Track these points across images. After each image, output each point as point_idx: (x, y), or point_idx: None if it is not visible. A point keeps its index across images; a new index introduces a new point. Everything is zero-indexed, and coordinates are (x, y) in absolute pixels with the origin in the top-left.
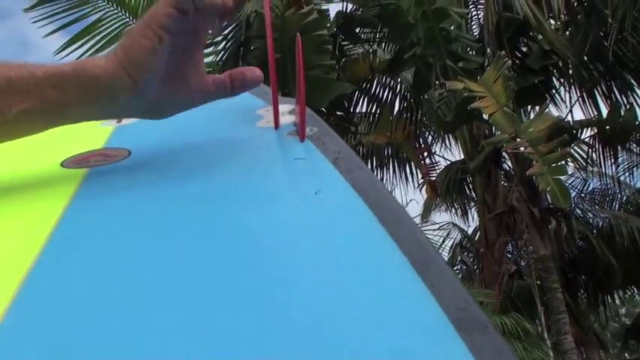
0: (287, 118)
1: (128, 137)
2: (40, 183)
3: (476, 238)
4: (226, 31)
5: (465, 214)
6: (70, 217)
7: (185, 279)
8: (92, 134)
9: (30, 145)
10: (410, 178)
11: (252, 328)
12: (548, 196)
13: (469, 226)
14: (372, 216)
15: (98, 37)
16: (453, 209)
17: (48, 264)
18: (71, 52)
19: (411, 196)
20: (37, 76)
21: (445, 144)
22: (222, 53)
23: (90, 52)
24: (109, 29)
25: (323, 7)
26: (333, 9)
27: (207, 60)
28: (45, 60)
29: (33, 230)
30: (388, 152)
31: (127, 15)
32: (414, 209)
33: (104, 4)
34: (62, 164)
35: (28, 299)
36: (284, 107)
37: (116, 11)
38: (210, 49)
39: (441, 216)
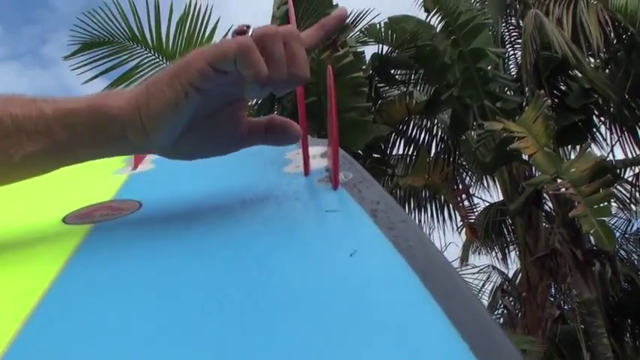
0: (318, 162)
1: (141, 186)
2: (37, 241)
3: (517, 282)
4: None
5: (505, 257)
6: (64, 282)
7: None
8: (102, 183)
9: (34, 194)
10: (448, 221)
11: None
12: (591, 238)
13: (510, 269)
14: (420, 286)
15: (136, 84)
16: (493, 252)
17: (34, 334)
18: None
19: (449, 239)
20: (46, 114)
21: (484, 185)
22: (254, 101)
23: None
24: (147, 75)
25: (359, 50)
26: (369, 51)
27: None
28: None
29: (23, 294)
30: (426, 194)
31: (165, 61)
32: (453, 252)
33: (141, 50)
34: (64, 220)
35: None
36: (315, 150)
37: (153, 58)
38: None
39: (481, 259)
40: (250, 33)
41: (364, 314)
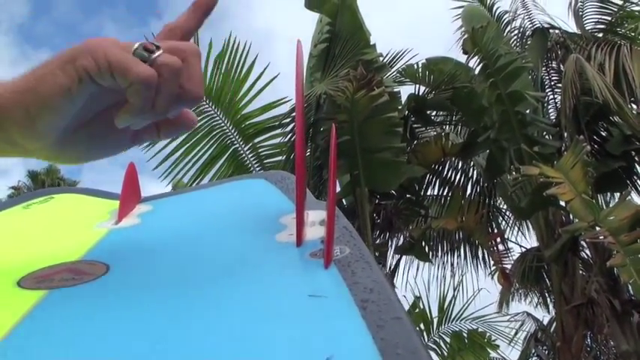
0: (316, 232)
1: (117, 245)
2: None
3: (552, 330)
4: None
5: (539, 304)
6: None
7: None
8: (78, 238)
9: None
10: (481, 265)
11: None
12: (630, 287)
13: (544, 317)
14: None
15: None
16: (528, 298)
17: None
18: None
19: (482, 284)
20: None
21: (520, 230)
22: (290, 135)
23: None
24: None
25: (395, 90)
26: (406, 92)
27: (274, 141)
28: None
29: None
30: (459, 236)
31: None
32: (485, 298)
33: None
34: (19, 282)
35: None
36: (316, 216)
37: None
38: (277, 131)
39: (514, 305)
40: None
41: None
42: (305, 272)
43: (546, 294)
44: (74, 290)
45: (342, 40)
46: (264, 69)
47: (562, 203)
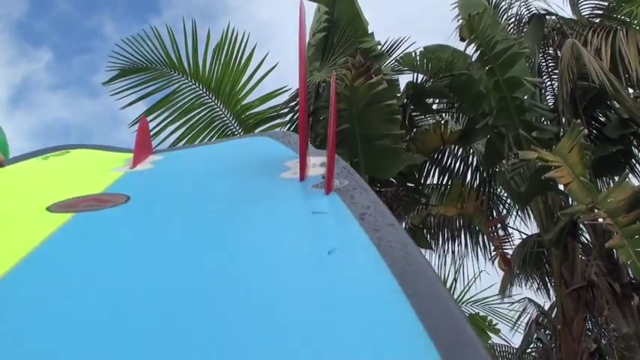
0: (317, 170)
1: (134, 183)
2: (17, 226)
3: (553, 315)
4: (294, 102)
5: (540, 289)
6: (32, 261)
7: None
8: (97, 178)
9: (28, 183)
10: (482, 251)
11: None
12: (629, 270)
13: (546, 302)
14: (395, 285)
15: (173, 109)
16: (529, 284)
17: None
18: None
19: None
20: None
21: (519, 216)
22: (289, 124)
23: (165, 123)
24: (184, 101)
25: (393, 78)
26: (403, 80)
27: (275, 130)
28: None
29: None
30: (459, 223)
31: (201, 88)
32: (485, 282)
33: (179, 77)
34: (48, 208)
35: None
36: (317, 159)
37: (190, 84)
38: (277, 121)
39: (515, 290)
40: None
41: (332, 310)
42: (308, 198)
43: (547, 278)
44: (98, 214)
45: (340, 29)
46: (264, 58)
47: (561, 187)
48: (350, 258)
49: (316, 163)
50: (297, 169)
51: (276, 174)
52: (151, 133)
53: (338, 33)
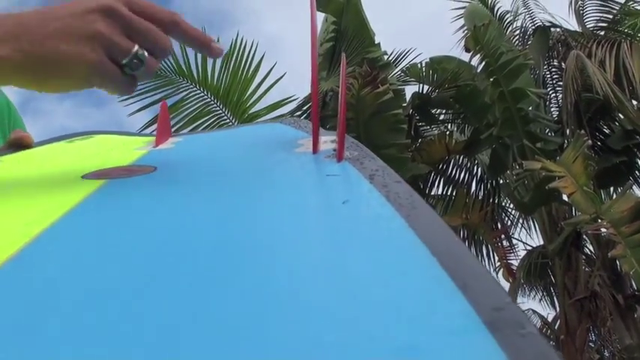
0: (328, 145)
1: (159, 158)
2: (54, 190)
3: (556, 326)
4: (299, 112)
5: (544, 299)
6: (66, 221)
7: (181, 292)
8: (123, 155)
9: (57, 160)
10: (486, 261)
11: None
12: (632, 281)
13: (549, 313)
14: (403, 222)
15: (181, 116)
16: (532, 294)
17: (28, 257)
18: (154, 131)
19: None
20: None
21: (524, 227)
22: None
23: (173, 130)
24: (192, 109)
25: (399, 88)
26: (409, 91)
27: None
28: None
29: (29, 224)
30: (464, 234)
31: (210, 96)
32: None
33: (187, 84)
34: (82, 176)
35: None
36: (327, 137)
37: (199, 92)
38: None
39: (519, 301)
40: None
41: (350, 243)
42: (321, 166)
43: (551, 288)
44: (129, 180)
45: (347, 39)
46: (272, 68)
47: (564, 198)
48: (362, 206)
49: (327, 140)
50: (309, 145)
51: (291, 149)
52: None
53: (345, 43)
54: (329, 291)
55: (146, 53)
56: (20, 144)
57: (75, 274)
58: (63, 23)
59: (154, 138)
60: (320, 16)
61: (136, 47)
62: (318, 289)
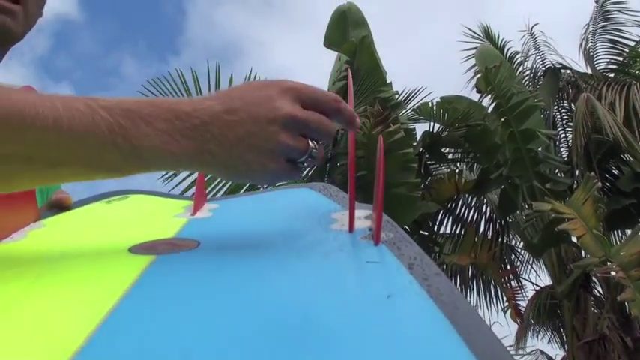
0: (363, 223)
1: (200, 230)
2: (105, 265)
3: None
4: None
5: (552, 340)
6: (130, 300)
7: None
8: (165, 224)
9: (102, 226)
10: (495, 300)
11: None
12: None
13: (557, 354)
14: (447, 323)
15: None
16: (541, 335)
17: (99, 343)
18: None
19: (494, 319)
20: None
21: (533, 267)
22: (307, 169)
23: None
24: None
25: (410, 127)
26: (420, 129)
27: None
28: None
29: (91, 307)
30: (472, 273)
31: None
32: (498, 331)
33: None
34: (130, 249)
35: None
36: (361, 213)
37: None
38: None
39: (528, 341)
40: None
41: (397, 344)
42: (360, 248)
43: (560, 329)
44: (176, 256)
45: (360, 78)
46: None
47: (574, 239)
48: (407, 302)
49: (361, 216)
50: (344, 221)
51: (326, 225)
52: (170, 174)
53: (358, 82)
54: None
55: (317, 146)
56: (61, 206)
57: (154, 355)
58: (246, 131)
59: (190, 202)
60: (333, 55)
61: (311, 145)
62: None
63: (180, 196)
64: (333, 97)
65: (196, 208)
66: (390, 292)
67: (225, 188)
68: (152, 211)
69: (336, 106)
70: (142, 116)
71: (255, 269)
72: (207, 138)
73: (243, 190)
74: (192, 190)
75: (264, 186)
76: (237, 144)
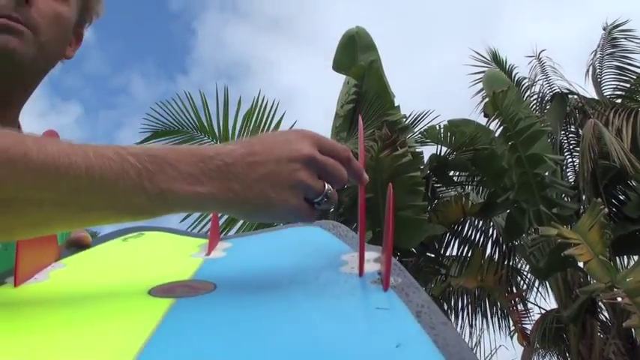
0: (372, 266)
1: (215, 271)
2: (128, 308)
3: None
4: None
5: None
6: (154, 346)
7: None
8: (182, 264)
9: (119, 268)
10: (501, 323)
11: None
12: None
13: None
14: None
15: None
16: (547, 359)
17: None
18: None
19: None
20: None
21: (539, 291)
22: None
23: None
24: None
25: (417, 150)
26: (427, 152)
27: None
28: None
29: (118, 353)
30: (478, 295)
31: None
32: (503, 356)
33: (208, 141)
34: (150, 292)
35: None
36: (370, 255)
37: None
38: None
39: None
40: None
41: None
42: (369, 293)
43: (566, 353)
44: (195, 300)
45: (368, 102)
46: (292, 126)
47: (580, 264)
48: (415, 352)
49: (370, 258)
50: (354, 263)
51: (337, 267)
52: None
53: (366, 105)
54: None
55: (332, 189)
56: (79, 244)
57: None
58: (269, 170)
59: (205, 241)
60: (341, 78)
61: (327, 187)
62: None
63: (194, 233)
64: (345, 148)
65: (211, 247)
66: (399, 340)
67: (235, 228)
68: (168, 250)
69: (347, 156)
70: (168, 161)
71: (270, 314)
72: (230, 178)
73: (253, 229)
74: (203, 222)
75: (275, 224)
76: (260, 181)
